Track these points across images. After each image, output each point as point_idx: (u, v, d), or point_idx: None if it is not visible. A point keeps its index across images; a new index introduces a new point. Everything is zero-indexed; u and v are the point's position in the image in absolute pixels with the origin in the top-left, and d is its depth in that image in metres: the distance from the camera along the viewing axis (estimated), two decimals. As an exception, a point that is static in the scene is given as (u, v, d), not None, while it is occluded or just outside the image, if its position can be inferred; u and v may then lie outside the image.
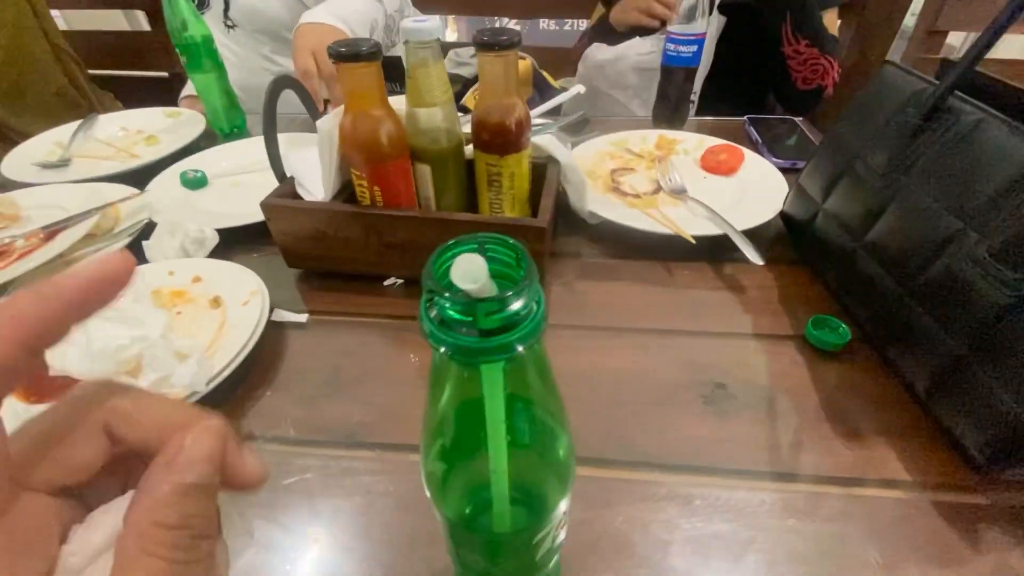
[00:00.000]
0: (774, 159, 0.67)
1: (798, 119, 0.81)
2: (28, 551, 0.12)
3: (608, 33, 0.94)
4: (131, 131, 0.81)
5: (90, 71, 1.34)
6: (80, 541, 0.12)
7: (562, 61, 1.23)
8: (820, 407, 0.38)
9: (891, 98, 0.43)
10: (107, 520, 0.13)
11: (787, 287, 0.50)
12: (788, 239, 0.55)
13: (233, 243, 0.55)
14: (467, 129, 0.48)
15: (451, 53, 1.24)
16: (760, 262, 0.48)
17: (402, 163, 0.46)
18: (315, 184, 0.49)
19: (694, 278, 0.51)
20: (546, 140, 0.51)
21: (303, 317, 0.46)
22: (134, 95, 1.53)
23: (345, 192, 0.49)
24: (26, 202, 0.60)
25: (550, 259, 0.53)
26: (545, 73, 1.25)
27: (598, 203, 0.57)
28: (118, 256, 0.13)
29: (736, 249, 0.51)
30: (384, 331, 0.46)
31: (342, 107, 0.44)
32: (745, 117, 0.80)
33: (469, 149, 0.49)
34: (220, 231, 0.54)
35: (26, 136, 1.15)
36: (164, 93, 1.51)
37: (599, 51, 0.96)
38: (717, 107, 0.88)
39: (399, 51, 0.93)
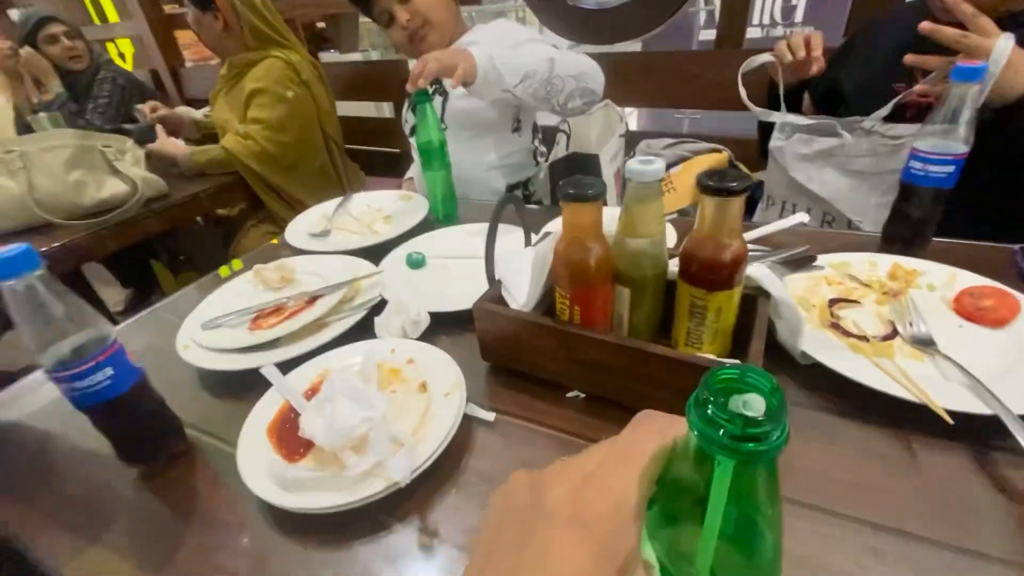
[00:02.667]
0: (1069, 312, 0.52)
1: (1103, 254, 0.62)
2: None
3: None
4: (374, 208, 1.00)
5: (346, 146, 1.71)
6: None
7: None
8: None
9: None
10: None
11: (1101, 510, 0.37)
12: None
13: (441, 324, 0.63)
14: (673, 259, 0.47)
15: (642, 144, 1.28)
16: (1057, 470, 0.37)
17: (605, 289, 0.47)
18: (519, 289, 0.54)
19: (948, 466, 0.41)
20: (760, 272, 0.48)
21: (491, 416, 0.50)
22: (375, 166, 1.91)
23: (545, 302, 0.52)
24: (298, 267, 0.76)
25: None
26: (741, 165, 1.20)
27: (813, 341, 0.50)
28: None
29: (1008, 434, 0.40)
30: (561, 447, 0.47)
31: (555, 235, 0.47)
32: (1017, 247, 0.64)
33: (673, 267, 0.49)
34: (432, 314, 0.62)
35: (294, 199, 1.50)
36: (395, 166, 1.85)
37: (801, 143, 0.88)
38: (963, 226, 0.73)
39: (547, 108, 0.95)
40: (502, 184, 1.16)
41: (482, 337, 0.54)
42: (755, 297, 0.49)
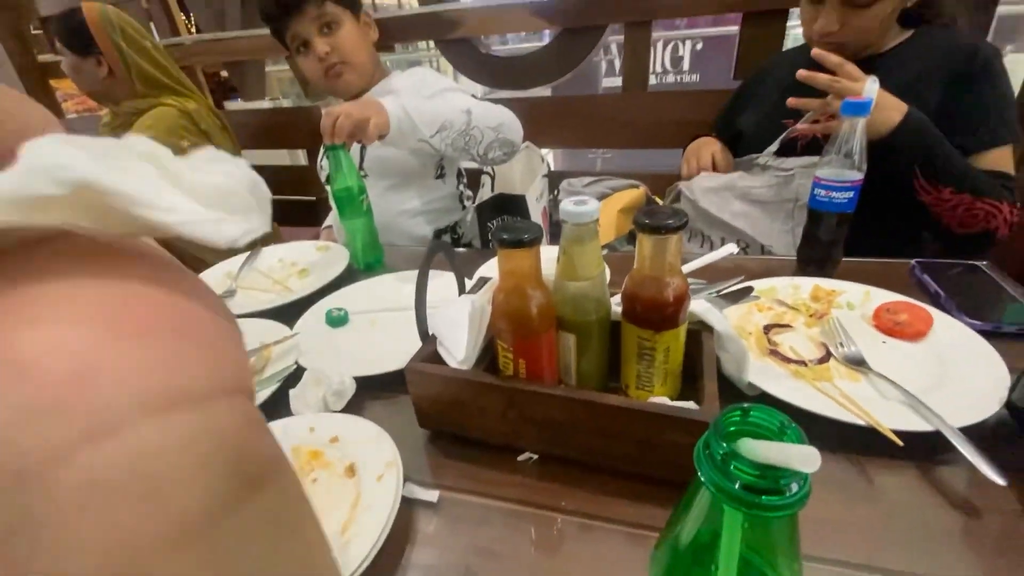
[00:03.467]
0: (968, 320, 0.56)
1: (982, 263, 0.69)
2: None
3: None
4: (287, 262, 0.91)
5: (257, 198, 1.59)
6: None
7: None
8: None
9: None
10: None
11: (1044, 516, 0.37)
12: (1020, 435, 0.43)
13: (370, 389, 0.56)
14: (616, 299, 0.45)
15: (564, 183, 1.30)
16: (1001, 482, 0.37)
17: (549, 337, 0.44)
18: (457, 344, 0.49)
19: (902, 488, 0.41)
20: (701, 307, 0.47)
21: (434, 496, 0.43)
22: (290, 216, 1.80)
23: (487, 356, 0.48)
24: (197, 337, 0.66)
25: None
26: (658, 199, 1.26)
27: (757, 370, 0.50)
28: None
29: (951, 447, 0.40)
30: (517, 521, 0.41)
31: (492, 283, 0.44)
32: (913, 262, 0.70)
33: (616, 309, 0.46)
34: (359, 379, 0.55)
35: (195, 258, 1.36)
36: (312, 214, 1.75)
37: (706, 179, 0.94)
38: (868, 245, 0.79)
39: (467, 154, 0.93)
40: (428, 230, 1.11)
41: (418, 403, 0.48)
42: (699, 332, 0.47)
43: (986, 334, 0.53)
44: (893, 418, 0.43)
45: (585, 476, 0.44)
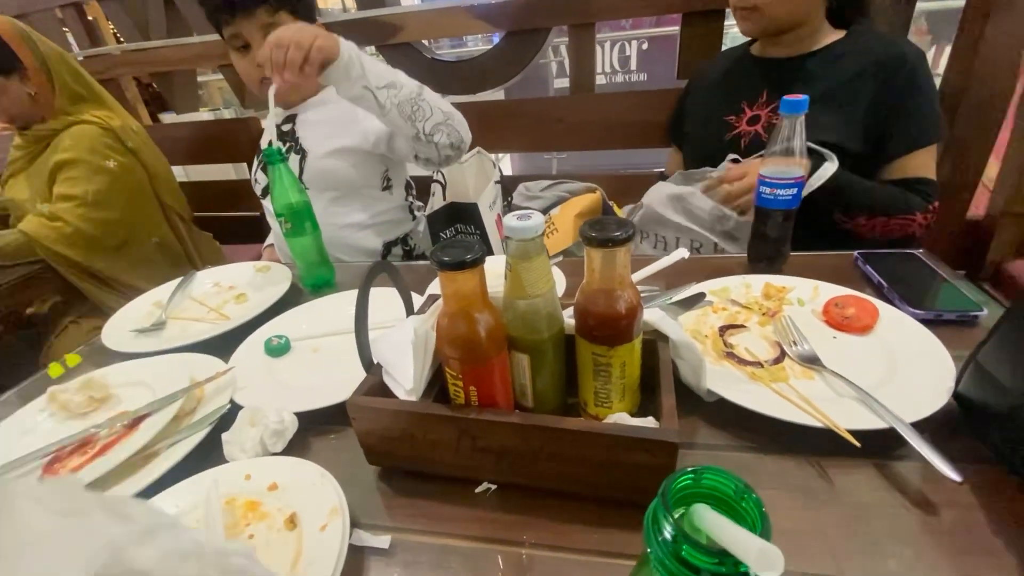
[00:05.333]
0: (911, 310, 0.57)
1: (918, 252, 0.72)
2: None
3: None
4: (223, 287, 0.84)
5: (198, 213, 1.50)
6: None
7: (632, 188, 1.23)
8: None
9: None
10: None
11: (996, 507, 0.38)
12: (968, 425, 0.44)
13: (314, 424, 0.52)
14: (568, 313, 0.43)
15: (521, 187, 1.29)
16: (956, 478, 0.37)
17: (500, 360, 0.41)
18: (404, 373, 0.45)
19: (862, 487, 0.40)
20: (655, 316, 0.46)
21: (386, 541, 0.40)
22: (233, 233, 1.70)
23: (436, 384, 0.45)
24: (117, 380, 0.60)
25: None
26: (613, 204, 1.26)
27: (714, 375, 0.49)
28: None
29: (904, 443, 0.41)
30: (477, 560, 0.39)
31: (438, 304, 0.41)
32: (856, 254, 0.72)
33: (569, 324, 0.44)
34: (301, 415, 0.51)
35: (126, 284, 1.26)
36: (254, 229, 1.66)
37: (666, 187, 0.94)
38: (806, 238, 0.81)
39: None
40: (377, 243, 1.07)
41: (364, 439, 0.44)
42: (655, 342, 0.46)
43: (928, 323, 0.55)
44: (848, 417, 0.43)
45: (547, 503, 0.42)
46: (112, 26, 1.71)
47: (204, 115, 2.88)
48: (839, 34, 0.86)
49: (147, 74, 1.74)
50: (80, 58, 1.64)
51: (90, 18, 1.67)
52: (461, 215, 1.10)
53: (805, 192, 0.71)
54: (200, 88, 2.89)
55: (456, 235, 1.13)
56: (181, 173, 1.98)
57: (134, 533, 0.12)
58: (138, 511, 0.12)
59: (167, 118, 2.36)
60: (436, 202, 1.15)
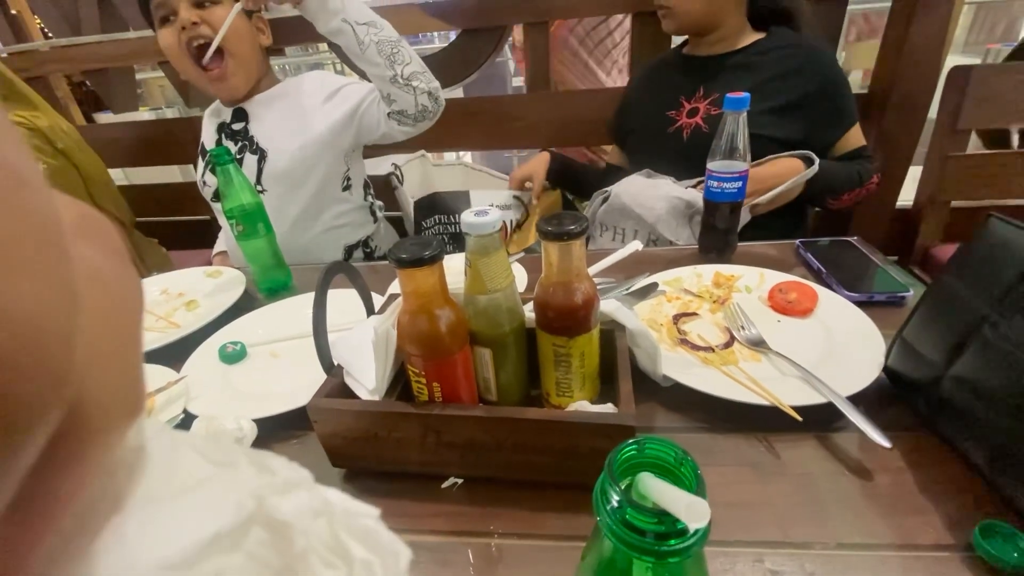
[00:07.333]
0: (847, 293, 0.62)
1: (853, 239, 0.77)
2: None
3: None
4: (172, 294, 0.81)
5: (141, 219, 1.42)
6: None
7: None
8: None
9: (1010, 257, 0.38)
10: None
11: (923, 469, 0.41)
12: (897, 395, 0.48)
13: (274, 430, 0.50)
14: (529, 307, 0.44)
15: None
16: (887, 444, 0.40)
17: (463, 355, 0.42)
18: (365, 373, 0.45)
19: (806, 460, 0.43)
20: (611, 306, 0.47)
21: (352, 542, 0.39)
22: (181, 238, 1.62)
23: (399, 383, 0.45)
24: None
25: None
26: (578, 202, 1.28)
27: (669, 361, 0.51)
28: None
29: (841, 415, 0.44)
30: (445, 553, 0.39)
31: (398, 303, 0.41)
32: (797, 242, 0.76)
33: (530, 317, 0.45)
34: (260, 421, 0.50)
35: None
36: (204, 234, 1.59)
37: (630, 183, 0.97)
38: (754, 230, 0.86)
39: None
40: (339, 246, 1.05)
41: (327, 442, 0.44)
42: (612, 331, 0.48)
43: (862, 304, 0.59)
44: (792, 394, 0.46)
45: (513, 493, 0.42)
46: (39, 20, 1.60)
47: (145, 115, 2.73)
48: (760, 35, 0.93)
49: (79, 71, 1.64)
50: (3, 55, 1.52)
51: (14, 12, 1.55)
52: (448, 204, 1.16)
53: (804, 191, 0.82)
54: (139, 86, 2.75)
55: (435, 226, 1.19)
56: (121, 176, 1.87)
57: (276, 485, 0.13)
58: (279, 465, 0.13)
59: (103, 118, 2.23)
60: (402, 196, 1.18)
